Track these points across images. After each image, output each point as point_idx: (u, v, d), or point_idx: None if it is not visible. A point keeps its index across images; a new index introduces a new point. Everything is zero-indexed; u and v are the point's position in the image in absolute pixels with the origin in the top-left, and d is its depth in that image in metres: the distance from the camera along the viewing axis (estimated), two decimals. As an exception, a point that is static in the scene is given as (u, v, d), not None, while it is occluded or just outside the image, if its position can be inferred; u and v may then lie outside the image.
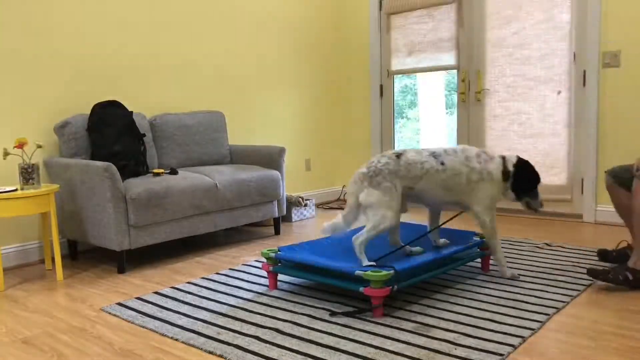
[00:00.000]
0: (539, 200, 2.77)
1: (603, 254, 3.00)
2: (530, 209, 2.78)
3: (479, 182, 2.66)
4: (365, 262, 2.53)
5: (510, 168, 2.70)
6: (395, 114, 5.14)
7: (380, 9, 5.10)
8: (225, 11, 4.41)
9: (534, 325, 2.15)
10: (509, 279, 2.74)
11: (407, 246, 2.70)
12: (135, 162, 3.36)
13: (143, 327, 2.27)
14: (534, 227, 3.96)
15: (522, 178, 2.71)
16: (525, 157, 4.31)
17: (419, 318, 2.26)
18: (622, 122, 3.89)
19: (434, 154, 2.64)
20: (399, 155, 2.59)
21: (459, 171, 2.63)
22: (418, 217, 4.47)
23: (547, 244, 3.39)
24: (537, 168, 2.81)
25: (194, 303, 2.53)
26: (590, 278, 2.62)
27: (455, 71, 4.68)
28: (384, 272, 2.24)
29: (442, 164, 2.62)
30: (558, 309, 2.31)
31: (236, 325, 2.24)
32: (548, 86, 4.19)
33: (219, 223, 3.53)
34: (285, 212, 4.05)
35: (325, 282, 2.48)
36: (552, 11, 4.12)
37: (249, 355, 1.95)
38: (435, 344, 2.00)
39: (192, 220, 3.37)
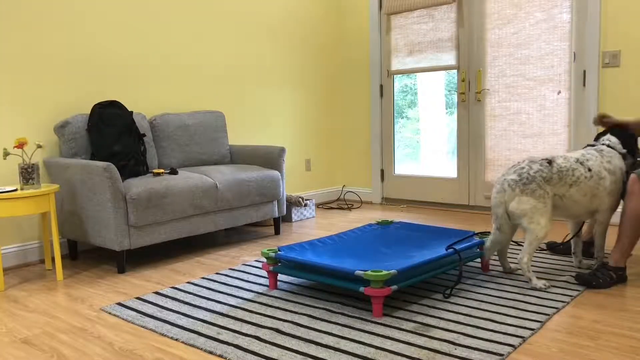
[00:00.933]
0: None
1: (552, 247, 3.23)
2: None
3: (617, 182, 2.67)
4: (536, 282, 2.55)
5: (622, 150, 2.72)
6: (395, 114, 5.14)
7: (380, 9, 5.09)
8: (226, 12, 4.41)
9: (534, 325, 2.15)
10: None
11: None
12: (135, 162, 3.36)
13: (143, 327, 2.27)
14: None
15: (627, 141, 2.75)
16: (525, 157, 4.31)
17: (419, 318, 2.26)
18: (622, 122, 3.89)
19: (579, 160, 2.62)
20: (550, 162, 2.56)
21: (603, 175, 2.63)
22: (416, 217, 4.47)
23: (547, 244, 3.39)
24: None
25: (194, 303, 2.53)
26: (580, 284, 2.62)
27: (455, 71, 4.68)
28: (384, 272, 2.23)
29: (589, 170, 2.60)
30: (558, 309, 2.31)
31: (236, 325, 2.24)
32: (548, 86, 4.19)
33: (219, 223, 3.53)
34: (285, 212, 4.05)
35: (325, 282, 2.48)
36: (552, 11, 4.12)
37: (249, 355, 1.95)
38: (435, 344, 2.00)
39: (192, 220, 3.37)
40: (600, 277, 2.58)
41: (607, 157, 2.68)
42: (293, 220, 4.46)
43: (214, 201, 3.44)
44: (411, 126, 5.11)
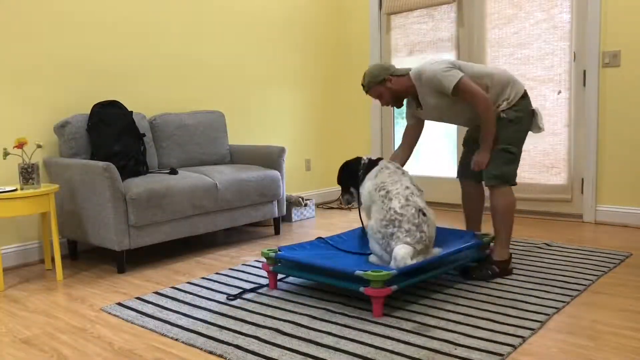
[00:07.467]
0: None
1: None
2: None
3: None
4: None
5: None
6: (395, 114, 5.13)
7: (380, 9, 5.09)
8: (225, 12, 4.41)
9: (534, 325, 2.15)
10: None
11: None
12: (135, 162, 3.36)
13: (143, 327, 2.27)
14: (534, 227, 3.96)
15: None
16: (525, 156, 4.31)
17: (419, 318, 2.26)
18: (622, 122, 3.89)
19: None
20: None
21: None
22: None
23: (547, 244, 3.39)
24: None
25: (194, 303, 2.53)
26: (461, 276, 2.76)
27: (455, 71, 4.67)
28: (384, 272, 2.23)
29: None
30: (558, 309, 2.31)
31: (236, 325, 2.24)
32: (548, 86, 4.19)
33: (219, 223, 3.53)
34: (285, 212, 4.05)
35: (325, 282, 2.48)
36: (552, 11, 4.12)
37: (249, 355, 1.95)
38: (435, 344, 2.00)
39: (192, 220, 3.37)
40: (481, 269, 2.72)
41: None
42: (293, 220, 4.46)
43: (213, 201, 3.44)
44: (411, 126, 5.11)
